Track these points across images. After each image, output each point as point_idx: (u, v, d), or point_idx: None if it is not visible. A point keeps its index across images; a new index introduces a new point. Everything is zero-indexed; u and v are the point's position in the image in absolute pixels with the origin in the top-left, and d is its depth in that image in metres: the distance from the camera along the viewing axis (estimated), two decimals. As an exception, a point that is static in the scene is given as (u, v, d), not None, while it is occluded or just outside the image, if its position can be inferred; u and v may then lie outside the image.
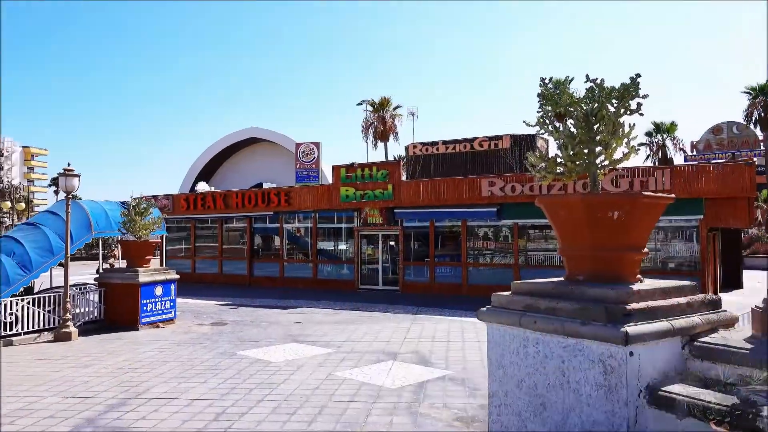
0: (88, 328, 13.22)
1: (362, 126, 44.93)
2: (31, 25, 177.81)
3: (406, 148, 27.56)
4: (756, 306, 3.97)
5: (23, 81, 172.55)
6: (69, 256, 13.05)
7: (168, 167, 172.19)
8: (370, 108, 44.31)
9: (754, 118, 42.64)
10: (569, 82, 4.89)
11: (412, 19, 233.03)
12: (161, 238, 17.17)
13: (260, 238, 26.48)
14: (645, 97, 4.58)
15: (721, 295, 6.13)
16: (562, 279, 4.73)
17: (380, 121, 44.14)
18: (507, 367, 4.61)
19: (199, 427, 6.42)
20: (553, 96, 4.81)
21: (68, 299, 12.45)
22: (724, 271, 21.95)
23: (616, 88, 4.63)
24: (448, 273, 20.99)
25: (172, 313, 14.34)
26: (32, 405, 7.39)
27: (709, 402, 3.44)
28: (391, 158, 43.79)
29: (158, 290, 13.95)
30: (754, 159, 31.93)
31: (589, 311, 3.98)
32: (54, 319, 12.63)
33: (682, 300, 4.23)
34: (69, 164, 12.76)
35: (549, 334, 4.21)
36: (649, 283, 4.37)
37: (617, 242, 4.37)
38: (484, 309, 4.85)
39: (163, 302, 14.10)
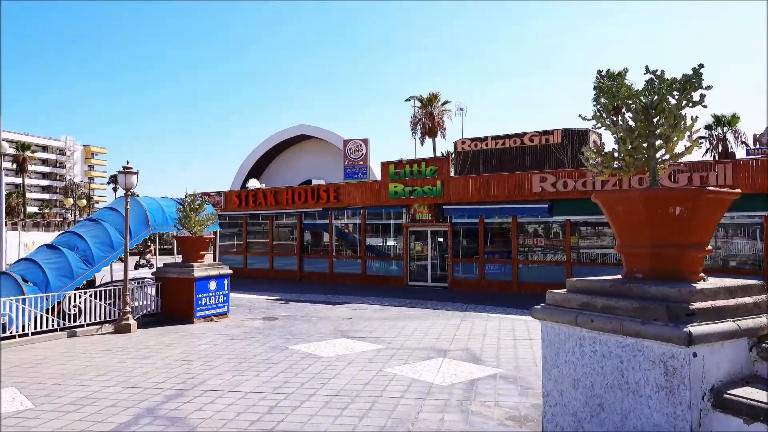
0: (146, 321, 13.68)
1: (410, 122, 44.91)
2: (90, 24, 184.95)
3: (455, 143, 27.36)
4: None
5: (84, 81, 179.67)
6: (128, 250, 13.53)
7: (220, 164, 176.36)
8: (418, 104, 44.22)
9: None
10: (626, 74, 4.74)
11: (461, 14, 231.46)
12: (214, 234, 17.60)
13: (310, 234, 26.81)
14: (709, 88, 4.40)
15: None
16: (619, 277, 4.60)
17: (428, 117, 44.03)
18: (562, 366, 4.51)
19: (253, 419, 6.55)
20: (611, 88, 4.67)
21: (127, 293, 12.91)
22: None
23: (678, 79, 4.46)
24: (498, 270, 20.75)
25: (225, 307, 14.69)
26: (95, 394, 7.69)
27: (780, 407, 3.29)
28: (439, 154, 43.57)
29: (212, 285, 14.30)
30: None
31: (650, 310, 3.85)
32: (114, 311, 13.13)
33: (749, 300, 4.05)
34: (128, 162, 13.21)
35: (607, 334, 4.10)
36: (712, 282, 4.20)
37: (679, 239, 4.21)
38: (539, 307, 4.76)
39: (217, 297, 14.45)
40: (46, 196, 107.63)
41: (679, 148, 4.58)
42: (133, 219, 13.91)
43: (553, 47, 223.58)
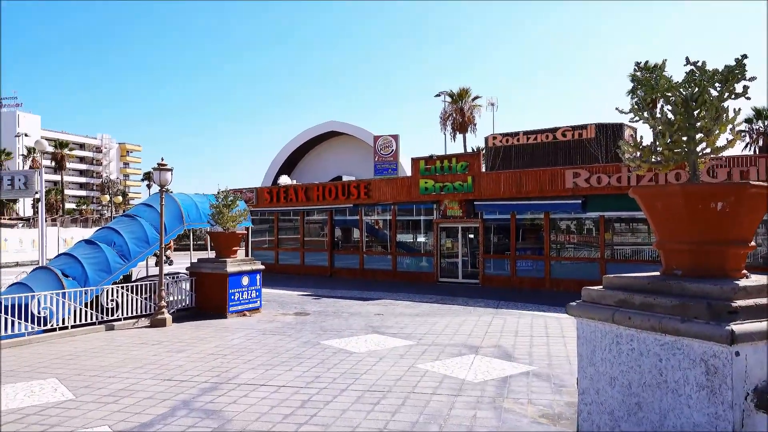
0: (181, 315, 13.92)
1: (440, 118, 44.74)
2: (124, 22, 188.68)
3: (486, 139, 27.16)
4: None
5: (120, 80, 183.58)
6: (164, 246, 13.77)
7: (252, 161, 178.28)
8: (448, 99, 44.01)
9: None
10: (664, 66, 4.63)
11: (492, 8, 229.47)
12: (247, 229, 17.80)
13: (340, 230, 26.93)
14: (752, 79, 4.28)
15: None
16: (657, 273, 4.50)
17: (459, 113, 43.79)
18: (598, 364, 4.45)
19: (286, 413, 6.61)
20: (649, 81, 4.57)
21: (163, 287, 13.16)
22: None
23: (720, 70, 4.34)
24: (530, 267, 20.55)
25: (258, 302, 14.85)
26: (133, 386, 7.86)
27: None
28: (470, 150, 43.34)
29: (245, 280, 14.47)
30: None
31: (690, 308, 3.76)
32: (150, 306, 13.39)
33: (794, 298, 3.93)
34: (162, 159, 13.43)
35: (645, 331, 4.02)
36: (755, 279, 4.08)
37: (720, 235, 4.10)
38: (574, 303, 4.70)
39: (249, 292, 14.62)
40: (83, 192, 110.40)
41: (720, 141, 4.47)
42: (167, 215, 14.16)
43: (586, 41, 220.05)
